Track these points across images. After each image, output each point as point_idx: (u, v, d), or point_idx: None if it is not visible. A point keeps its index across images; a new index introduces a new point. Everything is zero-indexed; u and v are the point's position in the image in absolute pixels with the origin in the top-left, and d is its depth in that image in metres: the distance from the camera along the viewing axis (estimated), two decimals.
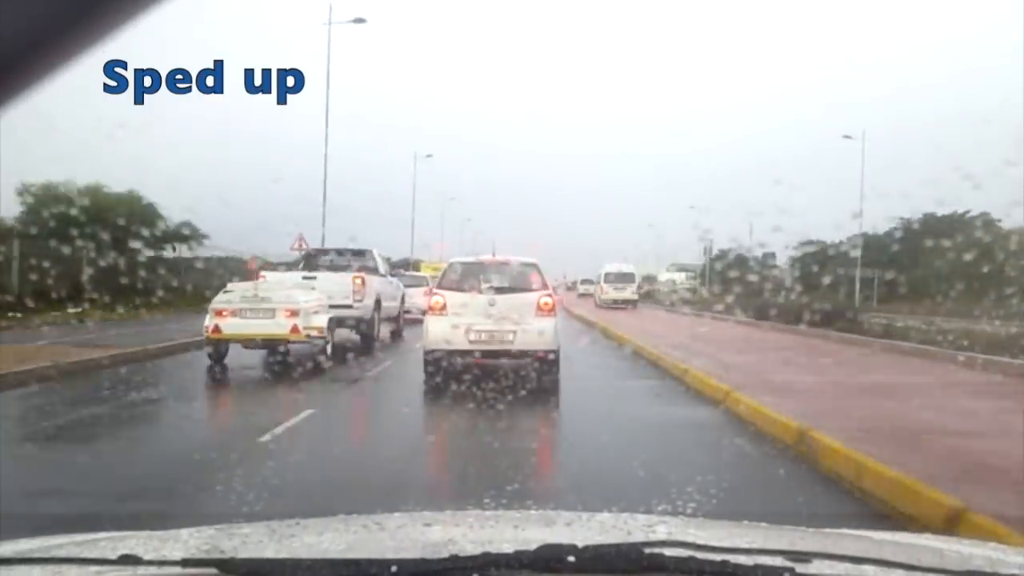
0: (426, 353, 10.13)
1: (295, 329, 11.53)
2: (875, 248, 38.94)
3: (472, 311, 9.96)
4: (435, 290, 10.50)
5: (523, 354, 10.10)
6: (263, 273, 14.70)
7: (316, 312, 12.22)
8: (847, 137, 37.37)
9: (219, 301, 11.74)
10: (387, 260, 18.70)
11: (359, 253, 16.74)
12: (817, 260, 37.30)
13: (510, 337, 9.89)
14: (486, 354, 10.30)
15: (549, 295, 10.33)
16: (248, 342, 11.85)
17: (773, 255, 41.44)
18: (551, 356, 10.08)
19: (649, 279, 51.49)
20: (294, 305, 11.70)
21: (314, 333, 11.97)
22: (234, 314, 11.50)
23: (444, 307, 10.05)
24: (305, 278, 14.25)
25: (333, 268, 15.84)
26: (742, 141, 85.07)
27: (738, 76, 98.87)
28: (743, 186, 63.20)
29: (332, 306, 13.07)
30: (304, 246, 21.94)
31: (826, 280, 30.31)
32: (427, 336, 10.17)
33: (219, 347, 11.68)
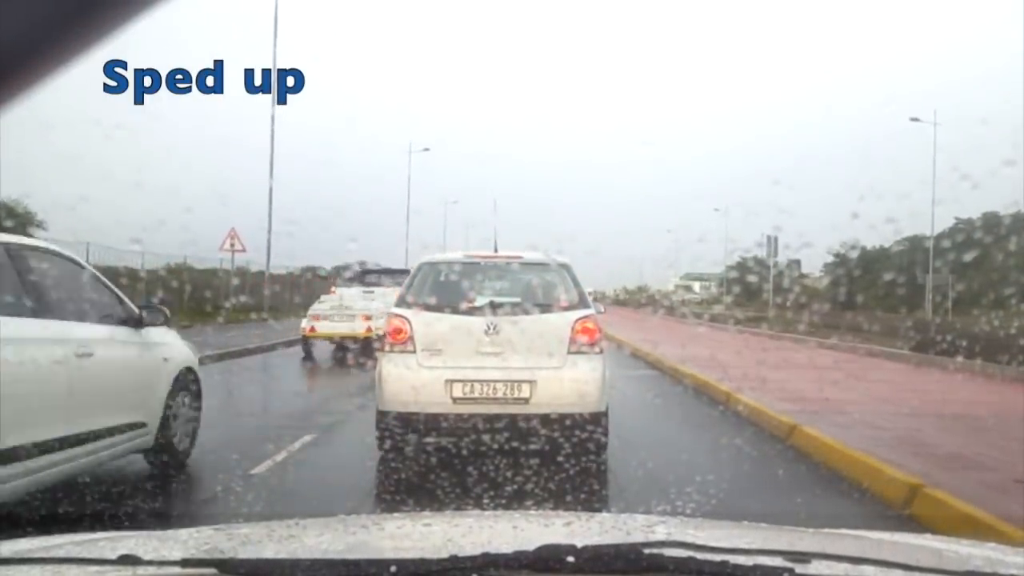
0: (379, 421, 6.13)
1: (369, 329, 14.98)
2: (921, 251, 35.20)
3: (458, 345, 6.11)
4: (394, 310, 6.48)
5: (547, 421, 5.95)
6: (334, 288, 18.52)
7: (383, 317, 14.58)
8: (914, 119, 33.81)
9: (315, 309, 15.96)
10: None
11: (404, 272, 18.93)
12: (857, 265, 35.13)
13: (524, 391, 5.95)
14: (486, 421, 5.91)
15: (590, 316, 6.32)
16: (333, 338, 15.81)
17: (798, 263, 40.89)
18: (595, 423, 6.02)
19: (686, 288, 57.67)
20: (369, 311, 15.55)
21: (381, 332, 14.50)
22: (325, 318, 15.65)
23: (408, 339, 6.16)
24: (365, 291, 17.60)
25: (381, 283, 18.46)
26: (746, 145, 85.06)
27: (745, 79, 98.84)
28: (749, 192, 63.20)
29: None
30: (235, 243, 22.97)
31: (871, 288, 28.35)
32: (381, 389, 6.15)
33: (310, 345, 15.73)
